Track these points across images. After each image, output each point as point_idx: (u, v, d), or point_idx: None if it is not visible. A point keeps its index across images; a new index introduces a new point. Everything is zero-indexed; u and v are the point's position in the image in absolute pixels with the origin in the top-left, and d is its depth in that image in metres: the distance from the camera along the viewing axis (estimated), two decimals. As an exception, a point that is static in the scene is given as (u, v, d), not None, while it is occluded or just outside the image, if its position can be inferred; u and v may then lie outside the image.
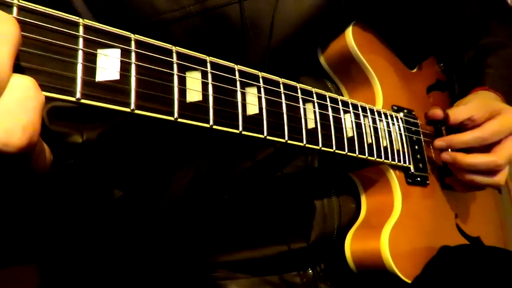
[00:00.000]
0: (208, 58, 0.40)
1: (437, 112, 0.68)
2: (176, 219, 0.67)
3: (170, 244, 0.69)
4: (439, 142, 0.68)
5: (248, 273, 0.66)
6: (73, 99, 0.31)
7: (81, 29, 0.32)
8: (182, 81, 0.37)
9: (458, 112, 0.68)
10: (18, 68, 0.28)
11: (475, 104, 0.69)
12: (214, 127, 0.39)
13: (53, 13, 0.31)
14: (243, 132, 0.41)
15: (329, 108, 0.51)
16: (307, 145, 0.47)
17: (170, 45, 0.37)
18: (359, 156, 0.55)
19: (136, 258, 0.72)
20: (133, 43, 0.35)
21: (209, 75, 0.40)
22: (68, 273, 0.73)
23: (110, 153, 0.60)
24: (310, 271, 0.67)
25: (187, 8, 0.52)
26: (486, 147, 0.67)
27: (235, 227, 0.65)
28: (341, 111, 0.53)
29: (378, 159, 0.58)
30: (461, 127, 0.68)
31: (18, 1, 0.29)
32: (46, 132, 0.49)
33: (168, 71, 0.37)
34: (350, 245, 0.60)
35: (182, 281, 0.69)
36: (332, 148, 0.51)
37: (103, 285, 0.73)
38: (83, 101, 0.31)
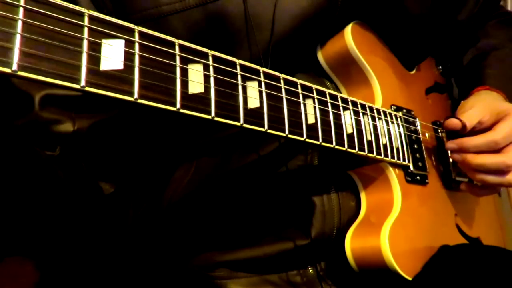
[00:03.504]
0: (210, 52, 0.41)
1: (455, 122, 0.68)
2: (176, 218, 0.67)
3: (170, 244, 0.69)
4: (451, 145, 0.68)
5: (248, 272, 0.66)
6: (77, 86, 0.31)
7: (86, 19, 0.33)
8: (184, 73, 0.38)
9: (471, 118, 0.68)
10: (25, 54, 0.29)
11: (482, 107, 0.69)
12: (216, 119, 0.40)
13: (59, 3, 0.31)
14: (244, 125, 0.42)
15: (329, 105, 0.52)
16: (307, 140, 0.48)
17: (173, 38, 0.38)
18: (359, 152, 0.55)
19: (135, 257, 0.72)
20: (136, 34, 0.35)
21: (211, 68, 0.40)
22: (66, 272, 0.73)
23: (101, 146, 0.60)
24: (311, 269, 0.67)
25: (186, 0, 0.53)
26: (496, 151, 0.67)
27: (234, 226, 0.65)
28: (341, 108, 0.54)
29: (377, 157, 0.58)
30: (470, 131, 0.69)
31: (26, -10, 0.30)
32: (34, 118, 0.49)
33: (171, 62, 0.37)
34: (351, 243, 0.61)
35: (182, 280, 0.69)
36: (332, 143, 0.51)
37: (102, 284, 0.73)
38: (87, 89, 0.32)
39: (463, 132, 0.68)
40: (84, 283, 0.75)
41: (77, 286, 0.77)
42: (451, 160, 0.73)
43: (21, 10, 0.29)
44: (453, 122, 0.68)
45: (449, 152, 0.72)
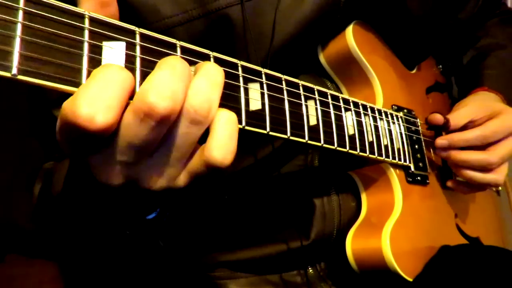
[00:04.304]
0: (211, 53, 0.40)
1: (437, 117, 0.68)
2: (176, 218, 0.66)
3: (170, 244, 0.69)
4: (440, 141, 0.68)
5: (248, 272, 0.66)
6: (78, 90, 0.31)
7: (86, 21, 0.32)
8: (186, 75, 0.37)
9: (459, 116, 0.68)
10: (25, 58, 0.28)
11: (475, 106, 0.70)
12: (218, 121, 0.39)
13: (59, 5, 0.31)
14: (246, 127, 0.41)
15: (331, 106, 0.52)
16: (309, 142, 0.47)
17: (174, 40, 0.38)
18: (360, 154, 0.55)
19: (136, 258, 0.72)
20: (137, 36, 0.35)
21: (213, 70, 0.40)
22: (69, 271, 0.72)
23: None
24: (311, 270, 0.67)
25: (189, 12, 0.53)
26: (485, 145, 0.68)
27: (235, 226, 0.65)
28: (342, 109, 0.53)
29: (378, 157, 0.58)
30: (462, 129, 0.69)
31: (25, -8, 0.29)
32: None
33: (172, 64, 0.37)
34: (351, 244, 0.61)
35: (182, 281, 0.69)
36: (333, 145, 0.51)
37: (103, 284, 0.73)
38: (88, 92, 0.31)
39: (447, 129, 0.68)
40: (84, 282, 0.75)
41: (77, 284, 0.77)
42: None
43: (20, 12, 0.29)
44: (435, 117, 0.69)
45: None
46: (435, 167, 0.73)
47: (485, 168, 0.67)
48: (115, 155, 0.32)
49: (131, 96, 0.32)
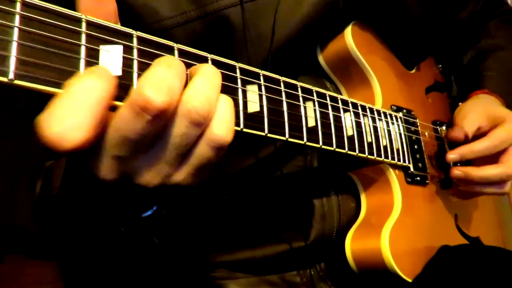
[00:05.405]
0: (209, 56, 0.40)
1: (459, 135, 0.68)
2: (175, 219, 0.66)
3: (170, 244, 0.69)
4: (452, 156, 0.68)
5: (248, 273, 0.66)
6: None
7: (83, 25, 0.32)
8: (184, 78, 0.37)
9: (471, 126, 0.68)
10: (21, 62, 0.28)
11: (479, 113, 0.70)
12: (216, 124, 0.39)
13: (56, 9, 0.31)
14: (244, 130, 0.41)
15: (329, 107, 0.52)
16: (307, 143, 0.47)
17: (172, 43, 0.37)
18: (359, 154, 0.55)
19: (135, 258, 0.72)
20: (135, 39, 0.35)
21: (211, 72, 0.40)
22: (69, 271, 0.73)
23: None
24: (311, 270, 0.67)
25: (188, 14, 0.53)
26: (491, 157, 0.68)
27: (234, 226, 0.65)
28: (341, 110, 0.53)
29: (378, 158, 0.58)
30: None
31: (22, -4, 0.29)
32: None
33: (170, 67, 0.37)
34: (351, 245, 0.61)
35: (182, 281, 0.69)
36: (332, 146, 0.51)
37: (102, 284, 0.73)
38: (85, 96, 0.31)
39: (467, 140, 0.68)
40: (84, 282, 0.75)
41: (77, 284, 0.77)
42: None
43: (17, 17, 0.29)
44: (456, 135, 0.68)
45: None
46: (435, 167, 0.73)
47: (503, 181, 0.67)
48: (109, 149, 0.32)
49: (112, 105, 0.31)
